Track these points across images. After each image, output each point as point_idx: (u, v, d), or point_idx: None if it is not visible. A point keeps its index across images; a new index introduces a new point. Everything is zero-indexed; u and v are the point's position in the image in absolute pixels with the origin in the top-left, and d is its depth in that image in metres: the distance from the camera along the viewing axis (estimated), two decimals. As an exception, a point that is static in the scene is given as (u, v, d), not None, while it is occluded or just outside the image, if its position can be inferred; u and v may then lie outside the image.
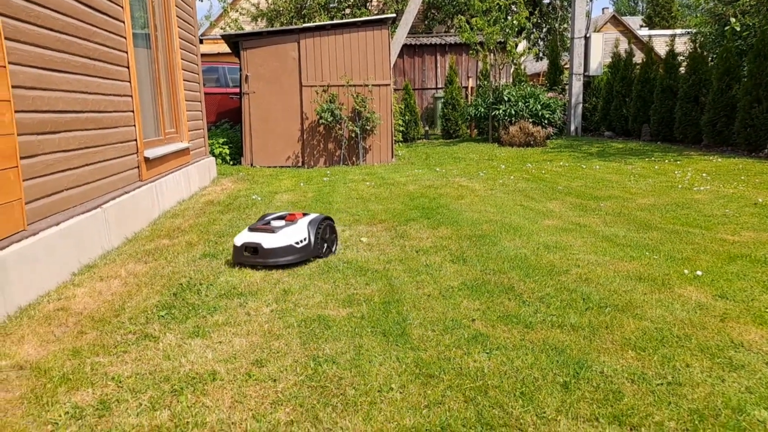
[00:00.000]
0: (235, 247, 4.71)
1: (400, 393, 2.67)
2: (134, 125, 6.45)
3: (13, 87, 4.04)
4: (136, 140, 6.48)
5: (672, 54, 14.08)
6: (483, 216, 6.39)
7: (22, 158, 4.12)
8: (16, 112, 4.07)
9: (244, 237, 4.72)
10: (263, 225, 4.83)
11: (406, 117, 15.62)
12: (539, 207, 6.89)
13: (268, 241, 4.59)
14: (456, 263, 4.66)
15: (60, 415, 2.55)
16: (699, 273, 4.25)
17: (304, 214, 5.03)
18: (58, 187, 4.67)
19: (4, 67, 3.94)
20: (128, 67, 6.37)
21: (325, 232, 4.97)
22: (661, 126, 14.11)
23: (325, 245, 4.95)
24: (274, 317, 3.63)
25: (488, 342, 3.18)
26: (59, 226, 4.59)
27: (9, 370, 3.00)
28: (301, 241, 4.67)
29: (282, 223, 4.86)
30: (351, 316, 3.62)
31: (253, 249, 4.61)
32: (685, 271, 4.31)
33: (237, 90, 14.19)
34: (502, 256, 4.80)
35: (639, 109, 14.93)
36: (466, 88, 18.32)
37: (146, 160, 6.73)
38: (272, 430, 2.40)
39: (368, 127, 11.66)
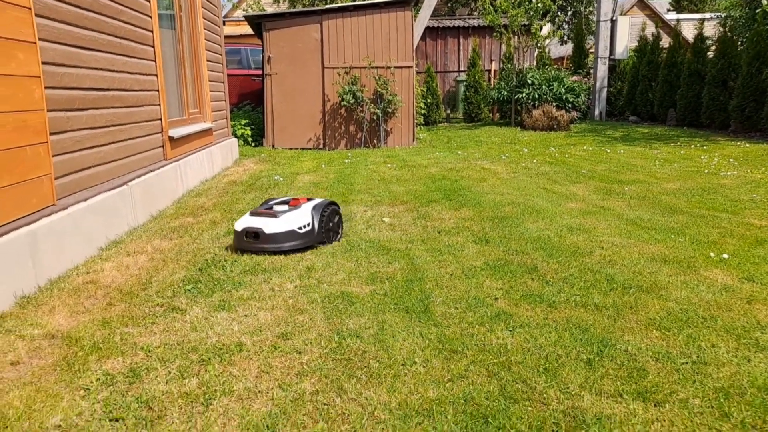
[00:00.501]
0: (235, 232, 4.56)
1: (424, 367, 2.69)
2: (159, 104, 6.50)
3: (43, 63, 4.10)
4: (160, 119, 6.54)
5: (701, 37, 13.80)
6: (505, 198, 6.36)
7: (51, 134, 4.19)
8: (45, 88, 4.13)
9: (245, 222, 4.56)
10: (265, 209, 4.69)
11: (428, 100, 15.54)
12: (562, 190, 6.84)
13: (270, 226, 4.44)
14: (478, 244, 4.66)
15: (92, 381, 2.61)
16: (725, 256, 4.20)
17: (309, 199, 4.89)
18: (85, 163, 4.74)
19: (35, 43, 3.99)
20: (153, 47, 6.41)
21: (331, 218, 4.80)
22: (687, 111, 13.87)
23: (330, 231, 4.79)
24: (298, 293, 3.67)
25: (511, 320, 3.18)
26: (87, 202, 4.66)
27: (41, 338, 3.08)
28: (305, 227, 4.52)
29: (285, 207, 4.71)
30: (374, 293, 3.65)
31: (255, 234, 4.45)
32: (711, 254, 4.26)
33: (259, 72, 14.23)
34: (525, 237, 4.78)
35: (665, 93, 14.68)
36: (489, 71, 18.16)
37: (171, 139, 6.79)
38: (298, 399, 2.44)
39: (390, 110, 11.62)
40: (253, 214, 4.63)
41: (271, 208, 4.74)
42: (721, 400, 2.37)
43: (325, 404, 2.40)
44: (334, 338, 3.00)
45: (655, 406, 2.34)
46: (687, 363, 2.68)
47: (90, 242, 4.58)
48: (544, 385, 2.50)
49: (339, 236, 4.93)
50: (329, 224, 4.76)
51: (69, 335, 3.09)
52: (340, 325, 3.16)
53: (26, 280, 3.70)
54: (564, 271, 3.95)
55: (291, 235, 4.46)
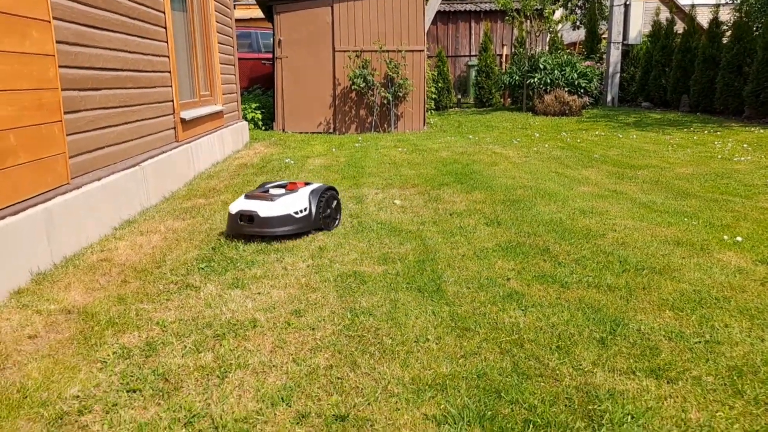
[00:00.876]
0: (229, 214, 4.38)
1: (436, 344, 2.71)
2: (171, 86, 6.51)
3: (57, 42, 4.11)
4: (172, 101, 6.56)
5: (716, 22, 13.61)
6: (517, 182, 6.34)
7: (65, 113, 4.21)
8: (60, 67, 4.14)
9: (239, 204, 4.39)
10: (261, 192, 4.53)
11: (439, 84, 15.46)
12: (575, 174, 6.81)
13: (265, 209, 4.27)
14: (490, 226, 4.65)
15: (108, 355, 2.65)
16: (739, 239, 4.18)
17: (306, 184, 4.74)
18: (99, 143, 4.76)
19: (49, 21, 4.00)
20: (165, 28, 6.41)
21: (329, 203, 4.66)
22: (701, 97, 13.72)
23: (328, 217, 4.64)
24: (311, 272, 3.69)
25: (523, 299, 3.19)
26: (101, 182, 4.70)
27: (57, 313, 3.11)
28: (301, 211, 4.37)
29: (282, 191, 4.55)
30: (386, 273, 3.66)
31: (249, 217, 4.28)
32: (725, 237, 4.23)
33: (269, 55, 14.19)
34: (537, 219, 4.77)
35: (679, 79, 14.53)
36: (501, 56, 18.02)
37: (182, 121, 6.81)
38: (312, 373, 2.46)
39: (401, 94, 11.58)
40: (248, 196, 4.46)
41: (267, 191, 4.59)
42: (735, 377, 2.37)
43: (338, 378, 2.43)
44: (347, 315, 3.02)
45: (668, 383, 2.34)
46: (700, 342, 2.68)
47: (104, 221, 4.62)
48: (556, 362, 2.51)
49: (337, 222, 4.79)
50: (327, 209, 4.63)
51: (85, 310, 3.13)
52: (352, 303, 3.18)
53: (42, 257, 3.74)
54: (576, 253, 3.94)
55: (287, 219, 4.31)
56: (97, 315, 3.06)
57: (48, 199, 3.95)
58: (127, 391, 2.35)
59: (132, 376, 2.46)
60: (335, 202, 4.78)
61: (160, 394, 2.33)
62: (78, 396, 2.33)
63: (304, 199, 4.44)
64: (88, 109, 4.59)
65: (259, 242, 4.29)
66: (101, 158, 4.80)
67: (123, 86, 5.24)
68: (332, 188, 4.80)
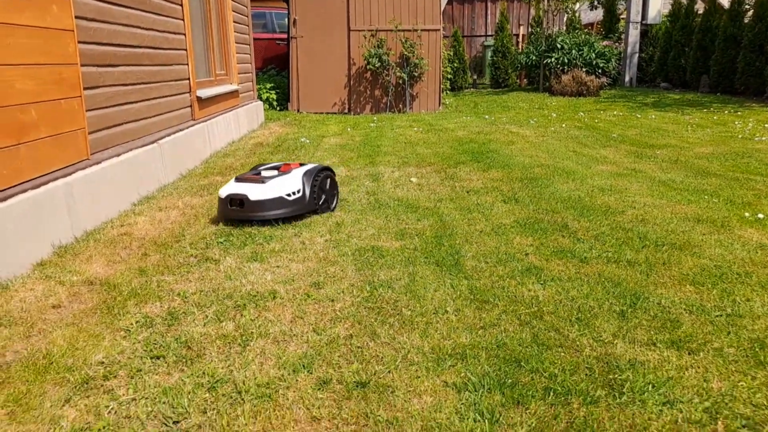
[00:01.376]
0: (219, 199, 4.21)
1: (455, 315, 2.71)
2: (187, 64, 6.52)
3: (76, 17, 4.12)
4: (188, 79, 6.56)
5: (737, 1, 13.33)
6: (534, 161, 6.30)
7: (84, 89, 4.23)
8: (79, 42, 4.16)
9: (229, 188, 4.20)
10: (252, 175, 4.36)
11: (455, 64, 15.33)
12: (593, 153, 6.75)
13: (255, 192, 4.08)
14: (508, 203, 4.64)
15: (131, 324, 2.68)
16: (760, 216, 4.13)
17: (301, 165, 4.56)
18: (117, 119, 4.79)
19: (68, -4, 4.01)
20: (181, 5, 6.40)
21: (324, 184, 4.45)
22: (721, 77, 13.49)
23: (323, 198, 4.44)
24: (329, 246, 3.70)
25: (542, 274, 3.18)
26: (119, 158, 4.73)
27: (80, 285, 3.16)
28: (294, 194, 4.18)
29: (274, 173, 4.36)
30: (404, 247, 3.66)
31: (239, 202, 4.10)
32: (746, 215, 4.19)
33: (284, 35, 14.13)
34: (555, 197, 4.74)
35: (698, 59, 14.28)
36: (517, 35, 17.81)
37: (198, 99, 6.82)
38: (332, 342, 2.48)
39: (416, 74, 11.50)
40: (238, 179, 4.29)
41: (259, 173, 4.40)
42: (756, 349, 2.36)
43: (358, 347, 2.44)
44: (366, 288, 3.03)
45: (689, 354, 2.34)
46: (721, 315, 2.67)
47: (122, 197, 4.66)
48: (576, 334, 2.51)
49: (334, 204, 4.61)
50: (322, 191, 4.44)
51: (107, 282, 3.17)
52: (371, 276, 3.19)
53: (63, 230, 3.79)
54: (595, 229, 3.92)
55: (279, 202, 4.12)
56: (119, 286, 3.10)
57: (68, 173, 3.98)
58: (151, 358, 2.39)
59: (155, 344, 2.49)
60: (330, 183, 4.59)
61: (183, 360, 2.37)
62: (103, 362, 2.37)
63: (297, 181, 4.26)
64: (107, 86, 4.61)
65: (276, 218, 4.31)
66: (120, 134, 4.83)
67: (140, 63, 5.25)
68: (328, 168, 4.61)
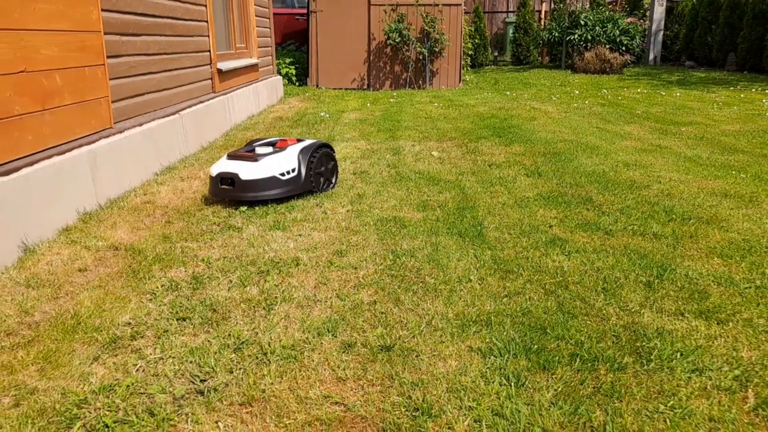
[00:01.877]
0: (210, 177, 3.98)
1: (479, 284, 2.70)
2: (208, 35, 6.49)
3: (99, -16, 4.11)
4: (209, 51, 6.54)
5: (768, -24, 12.97)
6: (557, 136, 6.22)
7: (108, 57, 4.23)
8: (102, 10, 4.15)
9: (220, 166, 3.95)
10: (245, 152, 4.09)
11: (476, 41, 15.13)
12: (616, 129, 6.64)
13: (246, 171, 3.83)
14: (530, 177, 4.59)
15: (157, 287, 2.71)
16: (791, 192, 4.05)
17: (299, 140, 4.30)
18: (139, 89, 4.79)
19: (91, -37, 4.00)
20: (203, -24, 6.36)
21: (321, 162, 4.19)
22: (749, 54, 13.19)
23: (321, 178, 4.21)
24: (350, 216, 3.70)
25: (567, 245, 3.15)
26: (142, 127, 4.74)
27: (105, 249, 3.19)
28: (289, 173, 3.93)
29: (269, 150, 4.09)
30: (426, 218, 3.65)
31: (230, 180, 3.86)
32: (776, 191, 4.11)
33: (303, 11, 14.02)
34: (579, 171, 4.68)
35: (725, 36, 13.96)
36: (540, 12, 17.51)
37: (219, 72, 6.81)
38: (356, 308, 2.48)
39: (436, 49, 11.37)
40: (230, 156, 4.05)
41: (253, 150, 4.14)
42: (788, 321, 2.32)
43: (382, 313, 2.44)
44: (389, 256, 3.02)
45: (717, 324, 2.30)
46: (750, 287, 2.62)
47: (145, 166, 4.68)
48: (602, 303, 2.49)
49: (333, 184, 4.36)
50: (320, 169, 4.18)
51: (132, 247, 3.19)
52: (393, 246, 3.18)
53: (87, 197, 3.82)
54: (620, 203, 3.87)
55: (272, 182, 3.87)
56: (143, 251, 3.12)
57: (92, 141, 4.00)
58: (177, 320, 2.41)
59: (181, 306, 2.51)
60: (330, 162, 4.34)
61: (209, 322, 2.38)
62: (130, 323, 2.39)
63: (293, 159, 4.00)
64: (130, 55, 4.60)
65: (298, 188, 4.31)
66: (142, 104, 4.84)
67: (162, 33, 5.24)
68: (326, 145, 4.34)
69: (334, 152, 4.43)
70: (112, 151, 4.15)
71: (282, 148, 4.10)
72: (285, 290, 2.65)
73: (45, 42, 3.46)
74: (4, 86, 3.09)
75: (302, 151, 4.08)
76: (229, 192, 3.89)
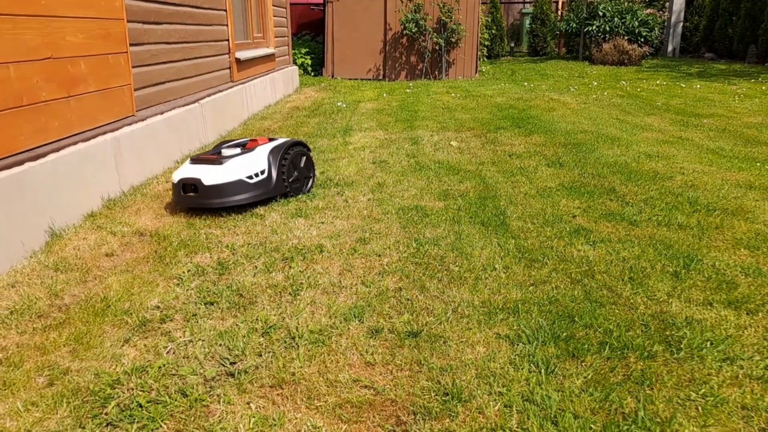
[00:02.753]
0: (173, 184, 3.65)
1: (505, 273, 2.69)
2: (226, 24, 6.50)
3: (122, -28, 4.12)
4: (228, 40, 6.56)
5: (792, -34, 12.76)
6: (577, 127, 6.17)
7: (131, 45, 4.25)
8: (125, -2, 4.17)
9: (183, 171, 3.63)
10: (210, 155, 3.80)
11: (492, 31, 15.03)
12: (636, 121, 6.58)
13: (210, 176, 3.51)
14: (552, 167, 4.56)
15: (183, 272, 2.73)
16: (817, 184, 4.00)
17: (270, 140, 4.00)
18: (161, 77, 4.82)
19: (115, -50, 4.01)
20: (222, -35, 6.36)
21: (295, 163, 3.89)
22: (770, 47, 12.99)
23: (296, 178, 3.89)
24: (372, 205, 3.70)
25: (591, 235, 3.13)
26: (163, 115, 4.77)
27: (131, 235, 3.21)
28: (257, 175, 3.62)
29: (236, 151, 3.81)
30: (447, 207, 3.64)
31: (194, 187, 3.53)
32: (802, 183, 4.06)
33: (319, 0, 13.99)
34: (601, 162, 4.65)
35: (746, 28, 13.75)
36: (557, 2, 17.34)
37: (237, 61, 6.82)
38: (381, 294, 2.49)
39: (453, 40, 11.31)
40: (194, 160, 3.73)
41: (219, 152, 3.84)
42: (819, 312, 2.30)
43: (408, 299, 2.45)
44: (412, 244, 3.03)
45: (747, 314, 2.29)
46: (780, 279, 2.60)
47: (166, 154, 4.70)
48: (630, 292, 2.47)
49: (309, 184, 4.05)
50: (293, 171, 3.87)
51: (157, 233, 3.22)
52: (416, 234, 3.18)
53: (111, 184, 3.85)
54: (644, 194, 3.84)
55: (238, 186, 3.55)
56: (168, 237, 3.15)
57: (116, 128, 4.03)
58: (205, 304, 2.43)
59: (208, 291, 2.53)
60: (304, 160, 4.01)
61: (236, 307, 2.40)
62: (158, 306, 2.41)
63: (262, 161, 3.69)
64: (151, 43, 4.62)
65: (318, 176, 4.32)
66: (163, 93, 4.86)
67: (182, 21, 5.25)
68: (300, 143, 4.04)
69: (309, 150, 4.13)
70: (134, 139, 4.18)
71: (251, 149, 3.81)
72: (310, 276, 2.66)
73: (71, 29, 3.49)
74: (32, 72, 3.12)
75: (272, 151, 3.77)
76: (192, 199, 3.55)
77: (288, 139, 4.04)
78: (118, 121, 4.08)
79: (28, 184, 3.00)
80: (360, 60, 11.72)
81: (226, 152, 3.79)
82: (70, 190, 3.38)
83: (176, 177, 3.61)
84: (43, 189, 3.12)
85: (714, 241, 3.05)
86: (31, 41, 3.11)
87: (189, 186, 3.54)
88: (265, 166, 3.69)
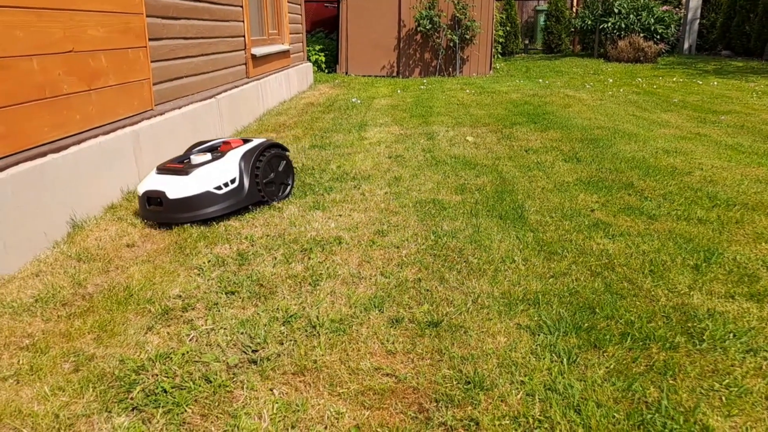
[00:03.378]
0: (138, 197, 3.37)
1: (524, 265, 2.69)
2: (243, 21, 6.53)
3: (142, -33, 4.15)
4: (244, 36, 6.59)
5: (811, -38, 12.59)
6: (593, 123, 6.14)
7: (150, 39, 4.28)
8: (144, -8, 4.20)
9: (148, 182, 3.32)
10: (176, 164, 3.46)
11: (507, 28, 14.98)
12: (653, 117, 6.54)
13: (175, 188, 3.21)
14: (569, 162, 4.55)
15: (204, 262, 2.75)
16: (839, 180, 3.95)
17: (245, 141, 3.69)
18: (179, 72, 4.85)
19: (135, -55, 4.04)
20: (239, -39, 6.39)
21: (271, 167, 3.58)
22: (788, 44, 12.83)
23: (272, 183, 3.60)
24: (389, 198, 3.70)
25: (610, 229, 3.12)
26: (181, 110, 4.80)
27: (151, 227, 3.24)
28: (227, 185, 3.30)
29: (206, 157, 3.45)
30: (465, 201, 3.64)
31: (158, 200, 3.23)
32: (823, 178, 4.01)
33: (333, -2, 14.02)
34: (619, 157, 4.63)
35: (764, 25, 13.59)
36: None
37: (253, 57, 6.85)
38: (401, 285, 2.50)
39: (467, 36, 11.28)
40: (160, 169, 3.40)
41: (188, 159, 3.49)
42: (844, 306, 2.28)
43: (427, 290, 2.45)
44: (430, 237, 3.03)
45: (771, 307, 2.27)
46: (802, 273, 2.58)
47: (183, 148, 4.72)
48: (650, 285, 2.46)
49: (288, 191, 3.75)
50: (269, 173, 3.57)
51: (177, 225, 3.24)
52: (434, 227, 3.18)
53: (130, 176, 3.88)
54: (662, 189, 3.82)
55: (205, 199, 3.24)
56: (188, 229, 3.17)
57: (135, 122, 4.06)
58: (226, 293, 2.45)
59: (228, 281, 2.55)
60: (283, 164, 3.69)
61: (257, 296, 2.42)
62: (180, 295, 2.44)
63: (232, 168, 3.37)
64: (170, 38, 4.66)
65: (334, 170, 4.34)
66: (181, 87, 4.90)
67: (200, 17, 5.28)
68: (277, 145, 3.70)
69: (286, 151, 3.80)
70: (153, 133, 4.21)
71: (222, 154, 3.49)
72: (329, 267, 2.67)
73: (92, 22, 3.52)
74: (54, 65, 3.16)
75: (245, 155, 3.44)
76: (158, 214, 3.26)
77: (264, 140, 3.73)
78: (137, 114, 4.12)
79: (51, 176, 3.03)
80: (374, 57, 11.72)
81: (194, 159, 3.43)
82: (91, 182, 3.42)
83: (141, 189, 3.30)
84: (64, 181, 3.15)
85: (734, 235, 3.03)
86: (54, 34, 3.15)
87: (154, 199, 3.24)
88: (236, 174, 3.35)
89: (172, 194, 3.20)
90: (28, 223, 2.82)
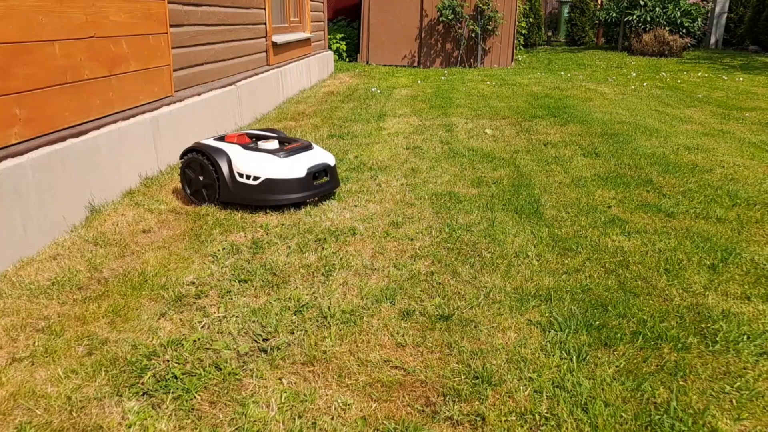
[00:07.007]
0: (299, 178, 3.30)
1: (537, 260, 2.68)
2: (264, 8, 6.53)
3: (164, -47, 4.17)
4: (265, 24, 6.59)
5: None
6: (614, 117, 6.07)
7: (171, 26, 4.30)
8: (166, -21, 4.22)
9: (295, 163, 3.32)
10: (292, 144, 3.48)
11: (530, 20, 14.80)
12: (676, 113, 6.44)
13: (332, 159, 3.48)
14: (587, 157, 4.50)
15: (218, 250, 2.77)
16: None
17: (250, 136, 3.60)
18: (199, 59, 4.87)
19: (158, -69, 4.05)
20: (261, -52, 6.39)
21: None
22: (819, 40, 12.53)
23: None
24: (405, 190, 3.70)
25: (627, 226, 3.09)
26: (200, 96, 4.83)
27: (167, 213, 3.28)
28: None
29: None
30: (481, 194, 3.62)
31: (325, 172, 3.40)
32: None
33: (356, -14, 13.95)
34: (638, 153, 4.57)
35: (795, 20, 13.29)
36: (596, -9, 16.99)
37: (273, 45, 6.85)
38: (413, 277, 2.50)
39: (490, 27, 11.17)
40: (283, 152, 3.36)
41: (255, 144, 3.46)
42: None
43: (439, 283, 2.45)
44: (445, 230, 3.02)
45: (788, 310, 2.24)
46: (822, 276, 2.53)
47: (202, 135, 4.76)
48: (665, 284, 2.44)
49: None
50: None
51: (193, 212, 3.27)
52: (449, 219, 3.18)
53: (149, 162, 3.92)
54: (682, 186, 3.76)
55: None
56: (204, 216, 3.20)
57: (155, 108, 4.10)
58: (239, 281, 2.47)
59: (242, 269, 2.57)
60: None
61: (270, 285, 2.43)
62: (194, 282, 2.46)
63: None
64: (191, 24, 4.68)
65: (352, 160, 4.34)
66: (201, 74, 4.92)
67: (221, 4, 5.29)
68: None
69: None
70: (172, 119, 4.25)
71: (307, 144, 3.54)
72: (342, 258, 2.68)
73: (114, 8, 3.55)
74: (76, 50, 3.19)
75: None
76: (326, 184, 3.42)
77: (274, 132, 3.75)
78: (157, 100, 4.15)
79: (71, 160, 3.07)
80: (395, 46, 11.67)
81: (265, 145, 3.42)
82: (110, 167, 3.46)
83: (297, 170, 3.25)
84: (84, 165, 3.19)
85: (753, 235, 2.98)
86: (77, 19, 3.18)
87: (321, 173, 3.39)
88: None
89: (333, 162, 3.48)
90: (48, 207, 2.86)
